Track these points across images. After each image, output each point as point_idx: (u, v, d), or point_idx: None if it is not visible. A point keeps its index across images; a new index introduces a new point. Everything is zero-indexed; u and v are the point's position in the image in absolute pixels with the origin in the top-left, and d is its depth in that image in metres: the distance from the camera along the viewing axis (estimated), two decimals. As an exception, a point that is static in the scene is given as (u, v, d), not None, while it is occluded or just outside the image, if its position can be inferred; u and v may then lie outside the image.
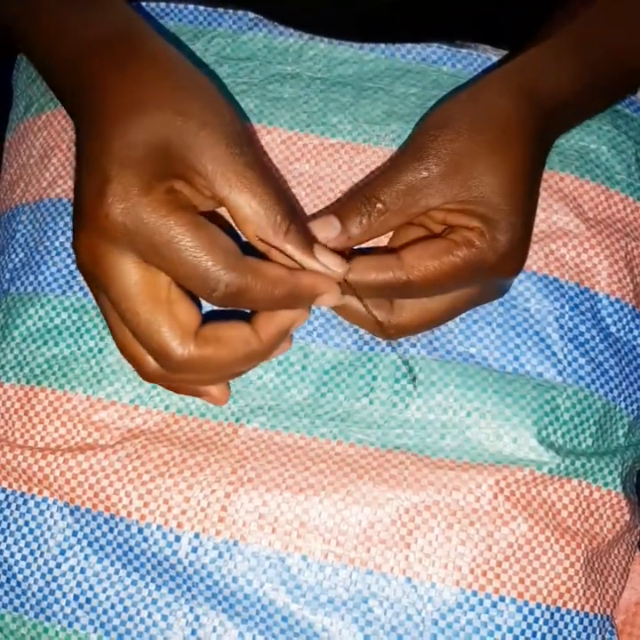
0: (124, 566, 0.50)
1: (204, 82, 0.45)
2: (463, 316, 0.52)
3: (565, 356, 0.53)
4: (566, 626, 0.49)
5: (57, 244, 0.55)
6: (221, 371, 0.45)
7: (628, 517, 0.53)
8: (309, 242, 0.45)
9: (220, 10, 0.60)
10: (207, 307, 0.52)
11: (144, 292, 0.43)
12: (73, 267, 0.54)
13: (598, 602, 0.51)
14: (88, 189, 0.43)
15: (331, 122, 0.57)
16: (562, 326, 0.53)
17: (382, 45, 0.59)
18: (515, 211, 0.46)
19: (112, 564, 0.50)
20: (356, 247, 0.49)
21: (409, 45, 0.59)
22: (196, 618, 0.49)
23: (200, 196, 0.45)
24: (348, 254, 0.46)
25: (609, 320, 0.55)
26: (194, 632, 0.49)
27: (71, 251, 0.55)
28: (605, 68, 0.52)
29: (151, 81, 0.44)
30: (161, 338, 0.43)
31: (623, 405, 0.54)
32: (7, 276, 0.57)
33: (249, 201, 0.43)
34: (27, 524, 0.51)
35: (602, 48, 0.51)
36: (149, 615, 0.49)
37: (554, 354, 0.52)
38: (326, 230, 0.46)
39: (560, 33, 0.51)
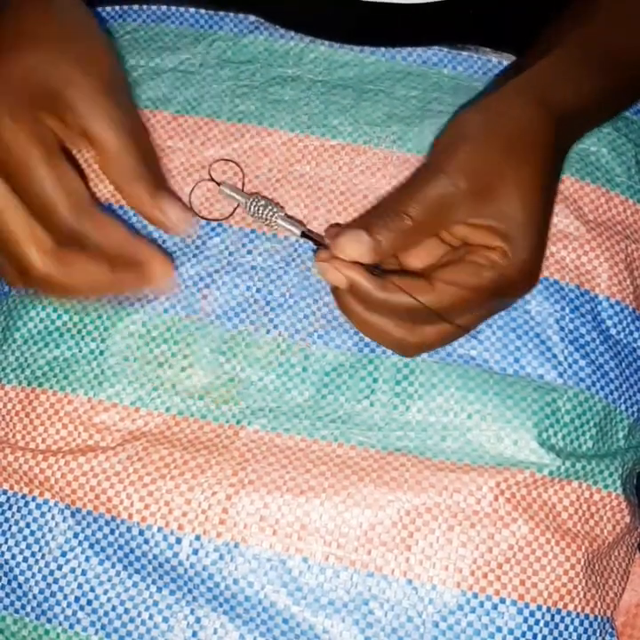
0: (125, 568, 0.50)
1: (88, 25, 0.49)
2: None
3: (566, 359, 0.53)
4: (567, 628, 0.49)
5: (58, 246, 0.55)
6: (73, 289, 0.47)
7: (628, 519, 0.53)
8: (161, 191, 0.47)
9: (222, 13, 0.60)
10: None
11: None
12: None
13: (599, 604, 0.51)
14: None
15: (331, 123, 0.57)
16: (562, 328, 0.53)
17: (383, 48, 0.59)
18: (534, 227, 0.47)
19: (113, 565, 0.50)
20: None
21: (409, 48, 0.59)
22: (197, 620, 0.49)
23: (69, 132, 0.47)
24: (377, 271, 0.46)
25: (609, 322, 0.55)
26: (195, 634, 0.49)
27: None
28: (615, 75, 0.52)
29: (36, 19, 0.48)
30: (19, 247, 0.45)
31: (623, 407, 0.54)
32: (8, 278, 0.57)
33: (112, 139, 0.46)
34: (28, 525, 0.51)
35: (611, 55, 0.52)
36: (150, 617, 0.49)
37: (554, 356, 0.53)
38: (356, 245, 0.46)
39: (569, 41, 0.51)
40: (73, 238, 0.45)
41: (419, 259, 0.49)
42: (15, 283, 0.48)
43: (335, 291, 0.48)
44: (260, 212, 0.52)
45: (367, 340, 0.53)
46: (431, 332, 0.48)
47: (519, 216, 0.46)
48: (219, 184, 0.55)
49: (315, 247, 0.54)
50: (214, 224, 0.55)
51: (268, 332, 0.53)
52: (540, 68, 0.50)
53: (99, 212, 0.46)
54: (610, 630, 0.53)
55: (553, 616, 0.49)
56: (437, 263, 0.48)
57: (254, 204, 0.52)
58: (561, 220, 0.55)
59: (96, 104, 0.46)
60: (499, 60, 0.59)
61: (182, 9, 0.60)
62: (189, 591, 0.49)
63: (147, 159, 0.47)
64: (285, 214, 0.52)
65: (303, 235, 0.51)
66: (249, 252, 0.54)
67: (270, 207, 0.52)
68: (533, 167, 0.47)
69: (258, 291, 0.54)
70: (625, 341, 0.55)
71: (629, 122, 0.59)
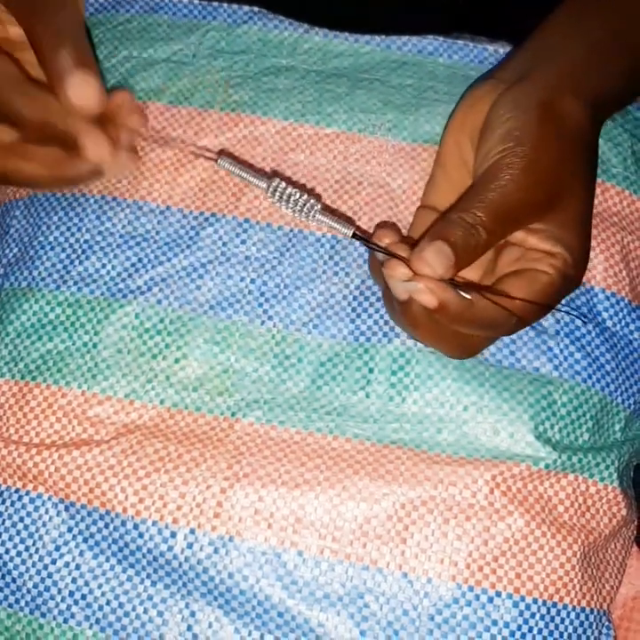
0: (119, 562, 0.50)
1: None
2: None
3: (561, 351, 0.52)
4: (563, 621, 0.49)
5: (51, 238, 0.55)
6: None
7: (624, 512, 0.53)
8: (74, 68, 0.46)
9: (215, 3, 0.59)
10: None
11: None
12: (67, 262, 0.54)
13: (595, 597, 0.51)
14: None
15: (326, 111, 0.56)
16: (557, 321, 0.53)
17: (378, 38, 0.58)
18: (587, 231, 0.47)
19: (107, 559, 0.50)
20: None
21: (405, 37, 0.58)
22: (192, 613, 0.49)
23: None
24: (457, 285, 0.44)
25: (605, 314, 0.55)
26: (189, 628, 0.49)
27: (65, 246, 0.54)
28: (637, 56, 0.52)
29: None
30: None
31: (620, 400, 0.53)
32: (1, 271, 0.56)
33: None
34: (22, 519, 0.51)
35: (633, 33, 0.52)
36: (145, 611, 0.49)
37: (550, 349, 0.52)
38: (440, 259, 0.43)
39: (594, 19, 0.51)
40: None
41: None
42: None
43: (406, 305, 0.44)
44: (289, 199, 0.47)
45: (363, 328, 0.52)
46: (488, 338, 0.48)
47: (576, 222, 0.46)
48: (216, 160, 0.48)
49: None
50: (208, 214, 0.54)
51: (262, 322, 0.53)
52: (574, 57, 0.49)
53: (32, 88, 0.47)
54: (606, 623, 0.53)
55: (549, 609, 0.49)
56: (495, 270, 0.48)
57: (277, 189, 0.47)
58: None
59: None
60: (494, 49, 0.58)
61: (175, -1, 0.59)
62: (184, 585, 0.49)
63: (73, 42, 0.47)
64: (322, 205, 0.48)
65: (355, 236, 0.46)
66: (243, 242, 0.54)
67: (303, 197, 0.47)
68: (586, 173, 0.47)
69: (252, 281, 0.53)
70: (621, 333, 0.55)
71: (625, 112, 0.59)
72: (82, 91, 0.45)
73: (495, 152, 0.46)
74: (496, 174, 0.46)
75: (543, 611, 0.49)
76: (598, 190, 0.56)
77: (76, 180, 0.50)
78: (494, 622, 0.48)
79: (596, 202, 0.56)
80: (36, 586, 0.50)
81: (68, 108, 0.46)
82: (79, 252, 0.54)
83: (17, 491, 0.51)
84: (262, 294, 0.53)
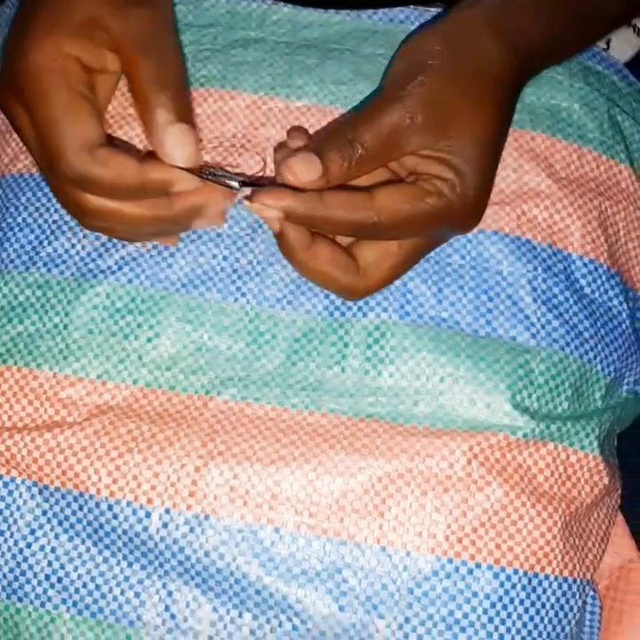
0: (94, 544, 0.49)
1: None
2: (435, 278, 0.52)
3: (539, 319, 0.52)
4: (545, 591, 0.49)
5: (19, 219, 0.54)
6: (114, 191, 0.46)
7: (606, 481, 0.52)
8: (177, 122, 0.45)
9: (182, -23, 0.58)
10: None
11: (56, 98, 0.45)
12: (36, 242, 0.53)
13: (577, 566, 0.50)
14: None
15: (296, 83, 0.55)
16: (535, 289, 0.52)
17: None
18: (485, 166, 0.47)
19: (83, 542, 0.49)
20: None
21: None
22: (169, 594, 0.48)
23: (99, 50, 0.47)
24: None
25: (583, 281, 0.54)
26: (167, 608, 0.48)
27: (34, 226, 0.54)
28: (577, 8, 0.51)
29: None
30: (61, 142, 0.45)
31: (599, 368, 0.53)
32: (-30, 254, 0.56)
33: (141, 60, 0.46)
34: (-4, 504, 0.50)
35: None
36: (122, 592, 0.49)
37: (527, 317, 0.52)
38: (308, 170, 0.44)
39: None
40: (83, 187, 0.45)
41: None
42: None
43: (279, 237, 0.46)
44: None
45: (338, 302, 0.51)
46: (379, 272, 0.48)
47: (473, 153, 0.46)
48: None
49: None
50: None
51: (235, 300, 0.52)
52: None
53: (107, 151, 0.45)
54: (591, 593, 0.53)
55: (530, 580, 0.48)
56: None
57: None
58: (532, 177, 0.54)
59: (129, 22, 0.46)
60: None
61: (141, -27, 0.58)
62: (160, 565, 0.48)
63: (174, 92, 0.46)
64: (225, 173, 0.49)
65: (245, 184, 0.48)
66: None
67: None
68: (491, 107, 0.47)
69: (224, 258, 0.52)
70: (599, 300, 0.54)
71: (601, 76, 0.58)
72: (179, 148, 0.45)
73: (393, 73, 0.48)
74: (385, 92, 0.47)
75: (524, 581, 0.48)
76: (574, 156, 0.55)
77: (177, 220, 0.48)
78: (474, 594, 0.48)
79: (572, 168, 0.55)
80: (11, 570, 0.49)
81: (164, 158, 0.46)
82: (48, 232, 0.53)
83: (-10, 475, 0.51)
84: (235, 271, 0.52)
